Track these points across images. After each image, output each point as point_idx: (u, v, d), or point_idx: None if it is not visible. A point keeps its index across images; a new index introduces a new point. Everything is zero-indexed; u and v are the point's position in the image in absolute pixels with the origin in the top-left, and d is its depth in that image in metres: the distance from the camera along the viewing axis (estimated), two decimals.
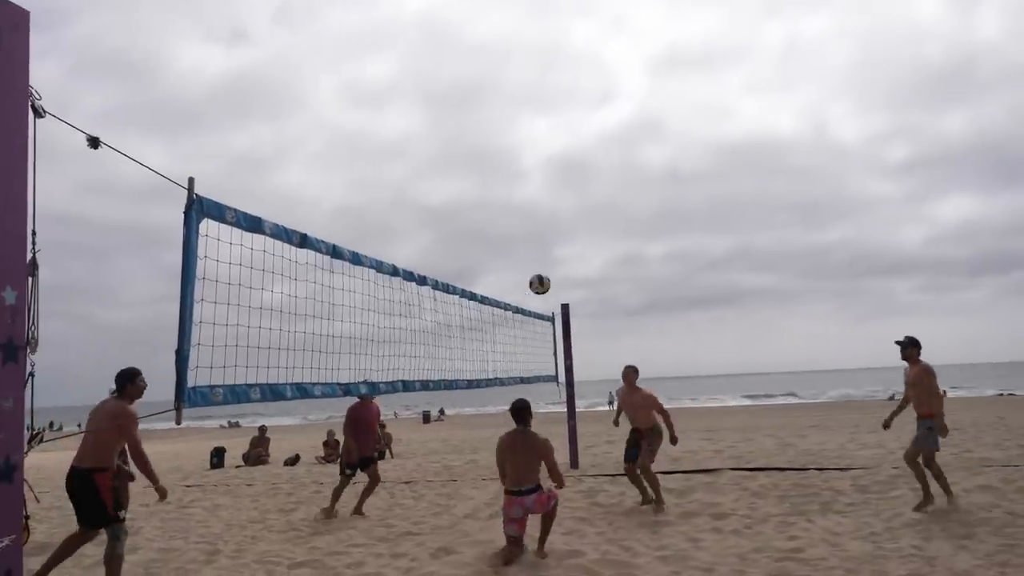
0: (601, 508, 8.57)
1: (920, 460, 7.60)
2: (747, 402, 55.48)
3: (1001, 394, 46.68)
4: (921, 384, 7.68)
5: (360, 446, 9.07)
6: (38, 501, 10.41)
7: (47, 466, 16.88)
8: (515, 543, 6.37)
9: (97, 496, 5.40)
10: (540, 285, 11.83)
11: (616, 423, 9.56)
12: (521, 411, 6.55)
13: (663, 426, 8.40)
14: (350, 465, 9.11)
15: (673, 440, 8.28)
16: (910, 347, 7.80)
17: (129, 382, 5.49)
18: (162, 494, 5.81)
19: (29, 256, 2.95)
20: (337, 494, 9.06)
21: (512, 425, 6.60)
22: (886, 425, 8.17)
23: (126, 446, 5.77)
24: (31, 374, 2.97)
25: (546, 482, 6.51)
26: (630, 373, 8.71)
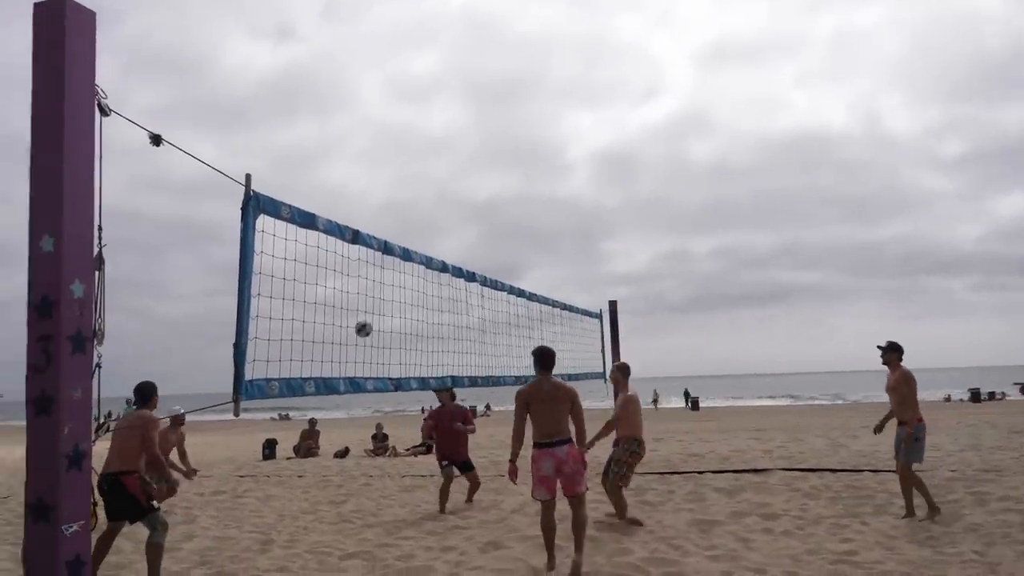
0: (650, 506, 8.52)
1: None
2: (795, 402, 54.64)
3: None
4: (899, 391, 7.52)
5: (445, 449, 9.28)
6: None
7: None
8: (549, 508, 5.88)
9: (128, 495, 5.89)
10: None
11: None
12: (545, 356, 6.05)
13: (639, 438, 7.95)
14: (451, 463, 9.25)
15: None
16: (890, 352, 7.71)
17: (153, 395, 6.36)
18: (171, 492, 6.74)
19: (96, 251, 3.03)
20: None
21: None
22: (876, 429, 8.14)
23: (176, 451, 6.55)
24: (98, 365, 3.05)
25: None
26: (616, 373, 8.30)
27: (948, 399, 42.53)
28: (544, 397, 5.91)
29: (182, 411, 9.64)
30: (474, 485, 9.42)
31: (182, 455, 9.76)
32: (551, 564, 5.95)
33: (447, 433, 9.27)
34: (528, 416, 5.97)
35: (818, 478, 9.84)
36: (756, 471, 10.66)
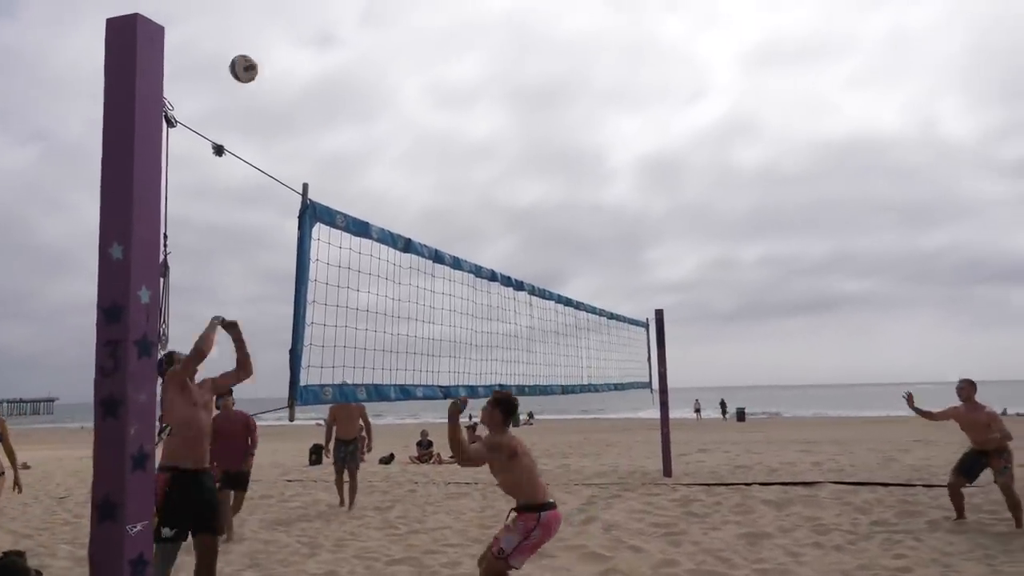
0: (696, 517, 8.43)
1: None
2: (845, 413, 53.55)
3: None
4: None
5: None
6: None
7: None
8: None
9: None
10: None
11: None
12: (513, 404, 5.07)
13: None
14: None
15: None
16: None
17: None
18: None
19: (161, 258, 3.13)
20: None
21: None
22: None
23: None
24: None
25: None
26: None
27: (1004, 413, 41.33)
28: (527, 451, 5.00)
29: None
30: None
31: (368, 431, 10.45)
32: None
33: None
34: (521, 465, 4.87)
35: (870, 492, 9.65)
36: (806, 484, 10.48)
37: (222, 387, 5.43)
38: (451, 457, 18.27)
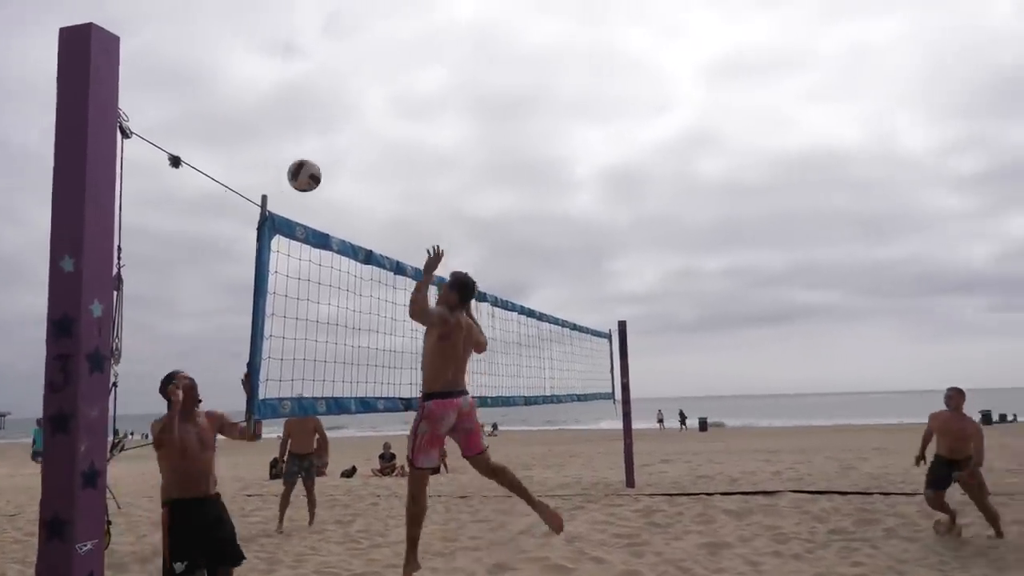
0: (658, 528, 8.47)
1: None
2: (805, 422, 54.29)
3: None
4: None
5: None
6: (119, 508, 10.70)
7: (117, 474, 17.36)
8: (426, 483, 5.24)
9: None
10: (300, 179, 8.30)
11: None
12: (475, 286, 5.42)
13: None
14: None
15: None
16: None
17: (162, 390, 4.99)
18: None
19: (115, 271, 3.07)
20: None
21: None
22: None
23: None
24: (114, 384, 3.08)
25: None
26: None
27: None
28: (459, 332, 5.20)
29: None
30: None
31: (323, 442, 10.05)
32: (415, 566, 5.37)
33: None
34: (442, 350, 5.11)
35: (828, 501, 9.78)
36: (766, 493, 10.60)
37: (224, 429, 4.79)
38: None
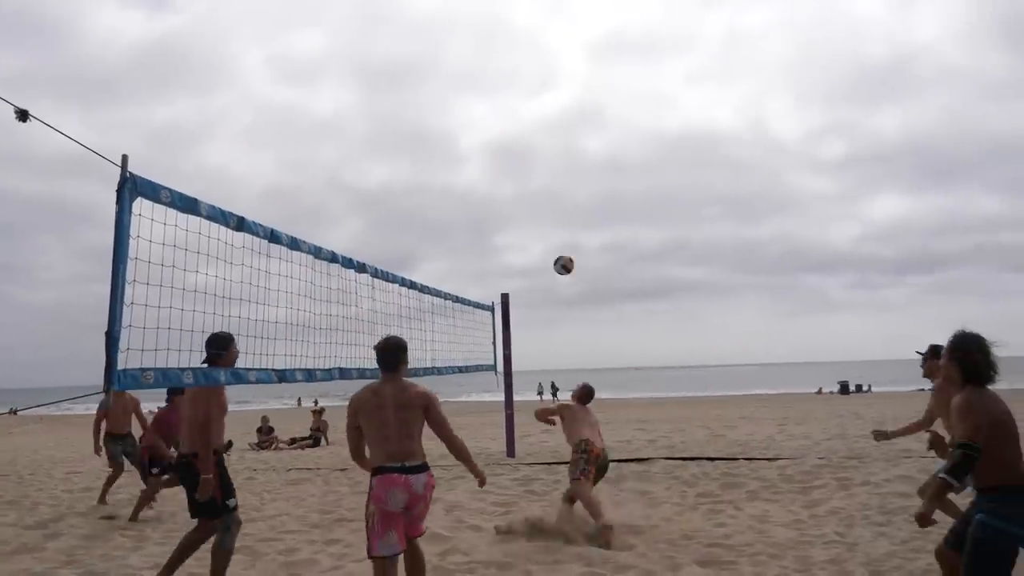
0: (536, 496, 8.66)
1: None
2: (679, 393, 56.53)
3: (921, 389, 48.41)
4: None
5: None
6: None
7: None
8: (392, 570, 4.30)
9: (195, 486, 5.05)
10: (563, 268, 11.63)
11: None
12: (388, 350, 4.60)
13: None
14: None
15: None
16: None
17: (224, 350, 5.17)
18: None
19: None
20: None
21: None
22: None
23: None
24: None
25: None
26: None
27: (820, 392, 44.89)
28: (391, 404, 4.42)
29: None
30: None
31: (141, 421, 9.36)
32: None
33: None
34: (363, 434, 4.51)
35: (697, 466, 10.23)
36: (639, 460, 10.98)
37: None
38: (292, 443, 17.90)
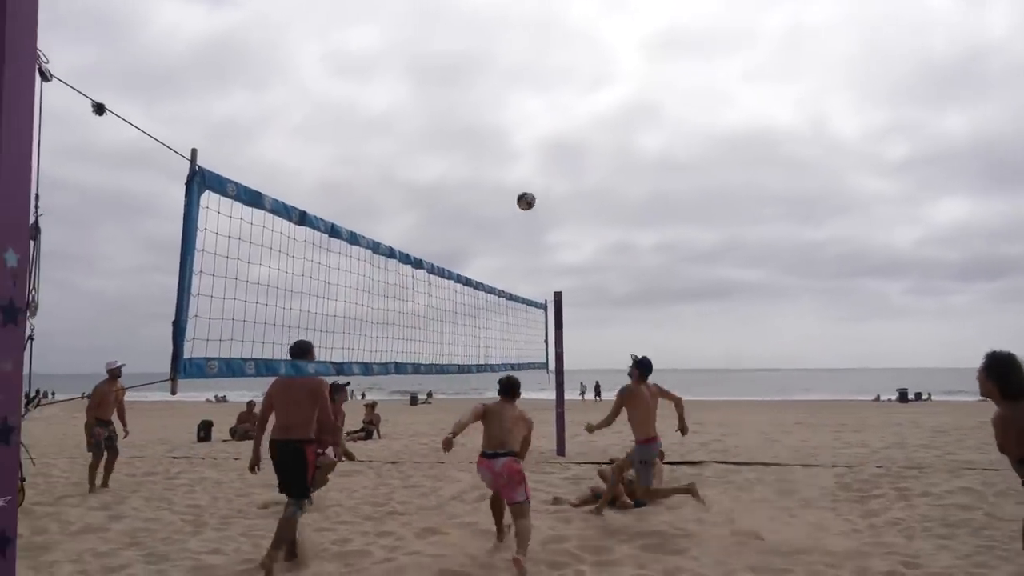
0: None
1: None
2: (733, 397, 55.75)
3: (984, 399, 46.93)
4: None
5: None
6: (34, 464, 10.43)
7: (33, 432, 16.85)
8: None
9: (305, 468, 5.80)
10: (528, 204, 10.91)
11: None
12: (513, 386, 6.59)
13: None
14: None
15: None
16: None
17: (309, 354, 5.70)
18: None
19: (32, 219, 2.94)
20: None
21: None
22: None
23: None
24: (30, 337, 2.97)
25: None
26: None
27: (877, 399, 43.85)
28: (507, 415, 6.33)
29: (120, 363, 9.66)
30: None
31: (121, 413, 9.73)
32: (500, 536, 6.48)
33: None
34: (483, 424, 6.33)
35: (751, 471, 10.08)
36: (692, 463, 10.86)
37: None
38: (347, 435, 18.12)
